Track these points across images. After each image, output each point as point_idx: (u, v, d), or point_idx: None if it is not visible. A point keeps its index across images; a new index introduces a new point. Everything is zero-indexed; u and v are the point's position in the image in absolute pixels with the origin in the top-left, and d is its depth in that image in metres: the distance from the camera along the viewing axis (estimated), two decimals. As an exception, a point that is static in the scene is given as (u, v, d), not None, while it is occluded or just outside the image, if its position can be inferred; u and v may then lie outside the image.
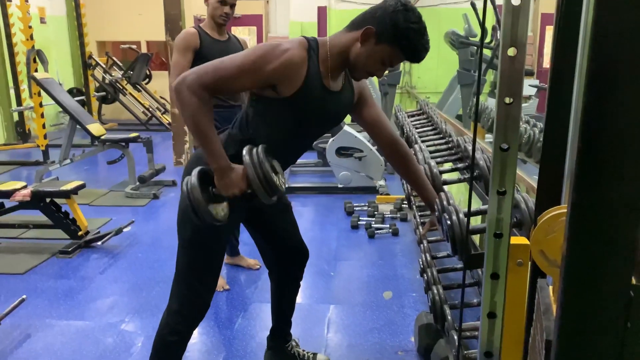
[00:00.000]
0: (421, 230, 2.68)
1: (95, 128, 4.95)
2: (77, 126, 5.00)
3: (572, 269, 0.60)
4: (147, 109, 8.71)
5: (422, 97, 5.38)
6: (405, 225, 3.98)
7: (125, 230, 3.68)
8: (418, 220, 2.88)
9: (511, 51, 0.73)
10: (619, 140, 0.56)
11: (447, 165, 2.24)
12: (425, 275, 2.25)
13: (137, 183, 4.86)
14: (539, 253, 0.92)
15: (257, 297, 2.89)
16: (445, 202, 1.51)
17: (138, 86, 8.70)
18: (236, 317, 2.70)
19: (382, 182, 4.82)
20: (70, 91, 7.47)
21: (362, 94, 1.77)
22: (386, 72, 1.64)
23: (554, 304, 0.92)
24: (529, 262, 0.98)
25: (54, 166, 4.89)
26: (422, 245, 2.56)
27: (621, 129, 0.56)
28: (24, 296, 2.67)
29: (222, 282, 2.96)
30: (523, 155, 2.50)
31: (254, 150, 1.52)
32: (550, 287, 0.99)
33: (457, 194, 3.89)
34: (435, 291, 2.03)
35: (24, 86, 7.15)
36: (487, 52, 4.48)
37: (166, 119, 8.41)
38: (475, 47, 4.66)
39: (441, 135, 2.74)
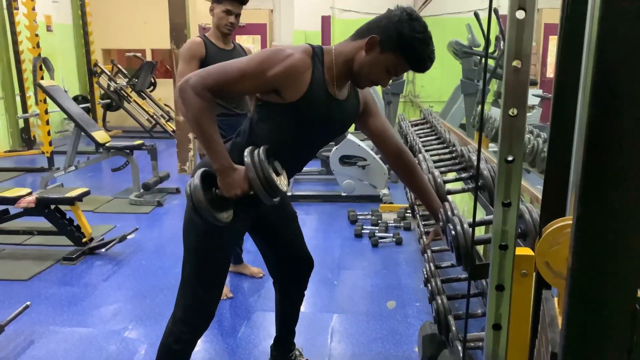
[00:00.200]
0: (425, 239, 2.68)
1: (100, 135, 4.98)
2: (82, 133, 5.03)
3: (578, 282, 0.61)
4: (152, 117, 8.76)
5: (425, 106, 5.39)
6: (408, 235, 3.97)
7: (129, 237, 3.69)
8: (422, 229, 2.88)
9: (516, 63, 0.74)
10: (624, 153, 0.56)
11: (451, 175, 2.24)
12: (429, 285, 2.25)
13: (141, 190, 4.87)
14: (544, 264, 0.92)
15: (260, 306, 2.89)
16: (449, 212, 1.51)
17: (143, 94, 8.75)
18: (239, 325, 2.69)
19: (385, 191, 4.82)
20: (75, 98, 7.52)
21: (367, 103, 1.77)
22: (390, 81, 1.65)
23: (559, 316, 0.91)
24: (534, 273, 0.98)
25: (59, 173, 4.92)
26: (426, 255, 2.56)
27: (626, 142, 0.56)
28: (28, 302, 2.68)
29: (225, 290, 2.96)
30: (527, 165, 2.50)
31: (255, 151, 1.53)
32: (556, 299, 0.99)
33: (461, 203, 3.88)
34: (440, 301, 2.03)
35: (29, 93, 7.20)
36: (490, 62, 4.49)
37: (170, 126, 8.44)
38: (479, 57, 4.67)
39: (445, 145, 2.74)
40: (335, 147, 4.76)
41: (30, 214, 3.46)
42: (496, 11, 4.14)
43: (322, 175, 5.59)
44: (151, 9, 9.21)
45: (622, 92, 0.55)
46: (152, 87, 8.97)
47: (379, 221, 4.14)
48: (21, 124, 7.39)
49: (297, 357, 2.24)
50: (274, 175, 1.51)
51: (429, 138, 3.08)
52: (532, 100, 5.04)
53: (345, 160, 4.81)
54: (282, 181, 1.56)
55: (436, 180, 1.92)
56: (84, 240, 3.54)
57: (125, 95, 8.71)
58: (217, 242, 1.71)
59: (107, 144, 4.95)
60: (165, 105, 8.98)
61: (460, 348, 1.86)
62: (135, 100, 8.80)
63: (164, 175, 5.13)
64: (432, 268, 2.38)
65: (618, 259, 0.59)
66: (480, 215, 1.87)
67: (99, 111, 8.62)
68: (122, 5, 9.84)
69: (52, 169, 5.62)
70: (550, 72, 7.42)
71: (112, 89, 8.62)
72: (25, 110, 7.22)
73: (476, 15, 4.63)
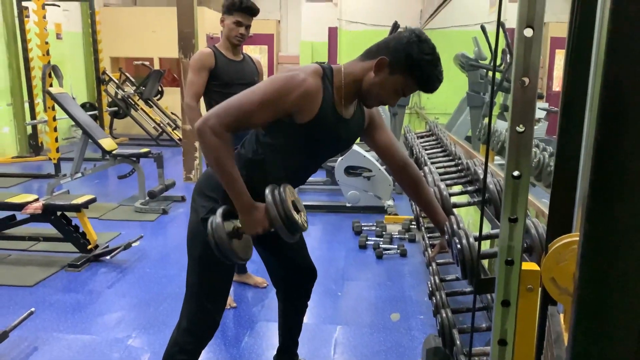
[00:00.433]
0: (430, 252, 2.67)
1: (107, 143, 5.01)
2: (89, 140, 5.06)
3: (584, 298, 0.61)
4: (158, 125, 8.80)
5: (431, 118, 5.40)
6: (413, 246, 3.96)
7: (134, 245, 3.70)
8: (427, 241, 2.87)
9: (523, 80, 0.74)
10: (632, 170, 0.56)
11: (457, 188, 2.24)
12: (434, 298, 2.24)
13: (147, 198, 4.89)
14: (550, 280, 0.92)
15: (264, 316, 2.88)
16: (455, 226, 1.51)
17: (150, 102, 8.81)
18: (243, 335, 2.69)
19: (390, 202, 4.81)
20: (83, 105, 7.57)
21: (373, 118, 1.79)
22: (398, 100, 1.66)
23: (565, 332, 0.91)
24: (540, 289, 0.98)
25: (66, 179, 4.94)
26: (430, 268, 2.55)
27: (634, 158, 0.56)
28: (33, 309, 2.68)
29: (229, 300, 2.96)
30: (532, 179, 2.50)
31: (276, 190, 1.54)
32: (561, 315, 0.99)
33: (466, 216, 3.87)
34: (444, 314, 2.02)
35: (38, 100, 7.27)
36: (496, 75, 4.50)
37: (177, 134, 8.49)
38: (485, 70, 4.68)
39: (450, 157, 2.74)
40: (340, 158, 4.77)
41: (36, 220, 3.47)
42: (503, 25, 4.15)
43: (327, 186, 5.60)
44: (160, 19, 9.29)
45: (630, 109, 0.55)
46: (159, 96, 9.03)
47: (384, 232, 4.14)
48: (29, 130, 7.44)
49: (300, 368, 2.24)
50: (295, 213, 1.52)
51: (434, 150, 3.08)
52: (539, 113, 5.03)
53: (351, 170, 4.81)
54: (302, 218, 1.57)
55: (442, 193, 1.92)
56: (89, 247, 3.55)
57: (133, 103, 8.77)
58: None
59: (114, 152, 4.98)
60: (172, 113, 9.03)
61: (464, 362, 1.85)
62: (142, 108, 8.86)
63: (170, 183, 5.15)
64: (437, 281, 2.37)
65: (625, 276, 0.59)
66: (486, 228, 1.87)
67: (106, 118, 8.68)
68: (131, 14, 9.95)
69: (59, 175, 5.64)
70: (557, 86, 7.42)
71: (119, 96, 8.68)
72: (33, 116, 7.28)
73: (483, 28, 4.65)
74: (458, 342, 1.93)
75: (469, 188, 2.12)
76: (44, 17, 5.95)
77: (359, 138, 1.84)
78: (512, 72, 0.75)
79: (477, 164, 2.15)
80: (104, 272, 3.44)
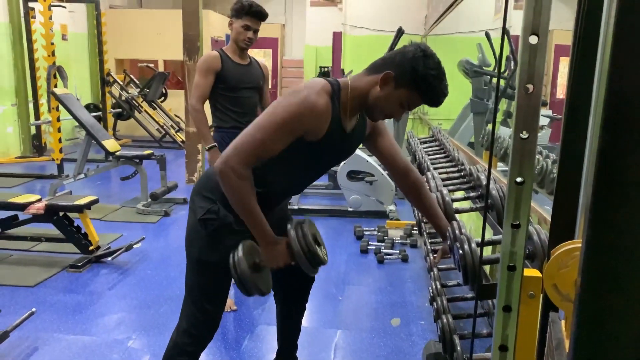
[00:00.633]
0: (432, 257, 2.67)
1: (111, 144, 5.03)
2: (93, 141, 5.07)
3: (586, 305, 0.61)
4: (162, 127, 8.82)
5: (434, 124, 5.40)
6: (415, 252, 3.96)
7: (135, 246, 3.70)
8: (428, 247, 2.87)
9: (528, 87, 0.75)
10: (635, 178, 0.57)
11: (459, 194, 2.24)
12: (435, 303, 2.24)
13: (149, 200, 4.90)
14: (552, 287, 0.92)
15: (264, 319, 2.88)
16: (457, 231, 1.51)
17: (153, 104, 8.83)
18: (243, 338, 2.69)
19: (392, 207, 4.81)
20: (87, 107, 7.59)
21: (375, 125, 1.79)
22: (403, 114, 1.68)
23: (566, 339, 0.91)
24: (541, 295, 0.98)
25: (68, 180, 4.95)
26: (432, 273, 2.55)
27: (637, 167, 0.56)
28: (34, 309, 2.69)
29: (229, 303, 2.96)
30: (535, 185, 2.50)
31: (299, 226, 1.58)
32: (563, 322, 0.99)
33: (468, 221, 3.87)
34: (445, 320, 2.01)
35: (42, 100, 7.29)
36: (500, 82, 4.51)
37: (180, 137, 8.50)
38: (489, 76, 4.69)
39: (453, 163, 2.74)
40: (343, 163, 4.77)
41: (38, 221, 3.48)
42: (507, 32, 4.16)
43: (329, 190, 5.60)
44: (165, 21, 9.33)
45: (634, 117, 0.55)
46: (163, 98, 9.05)
47: (385, 237, 4.13)
48: (33, 130, 7.47)
49: (300, 372, 2.23)
50: (317, 248, 1.56)
51: (437, 156, 3.08)
52: (542, 120, 5.03)
53: (353, 175, 4.82)
54: (323, 251, 1.61)
55: (444, 199, 1.93)
56: (91, 248, 3.56)
57: (137, 105, 8.80)
58: (220, 253, 1.72)
59: (117, 153, 4.99)
60: (176, 115, 9.05)
61: (464, 368, 1.84)
62: (146, 110, 8.88)
63: (172, 186, 5.16)
64: (439, 286, 2.37)
65: (627, 283, 0.59)
66: (488, 234, 1.87)
67: (110, 120, 8.70)
68: (137, 16, 9.99)
69: (62, 176, 5.66)
70: (560, 93, 7.41)
71: (123, 98, 8.71)
72: (37, 117, 7.31)
73: (487, 35, 4.65)
74: (459, 348, 1.93)
75: (472, 194, 2.12)
76: (50, 18, 5.98)
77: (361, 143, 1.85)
78: (517, 79, 0.76)
79: (479, 170, 2.15)
80: (105, 273, 3.44)
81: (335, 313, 2.98)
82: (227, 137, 2.92)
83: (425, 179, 2.30)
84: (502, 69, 4.54)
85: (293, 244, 1.54)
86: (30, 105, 7.49)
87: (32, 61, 7.24)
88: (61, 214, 3.52)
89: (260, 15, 2.83)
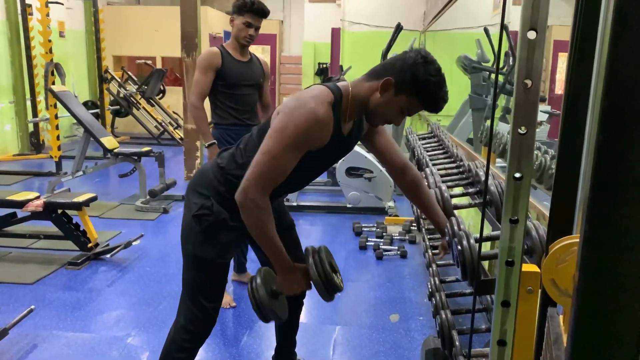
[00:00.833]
0: (430, 253, 2.68)
1: (109, 141, 5.02)
2: (91, 139, 5.06)
3: (584, 300, 0.61)
4: (160, 124, 8.81)
5: (433, 120, 5.40)
6: (413, 248, 3.96)
7: (134, 243, 3.70)
8: (427, 243, 2.87)
9: (526, 83, 0.75)
10: (633, 173, 0.57)
11: (458, 190, 2.24)
12: (433, 299, 2.24)
13: (148, 197, 4.89)
14: (550, 282, 0.92)
15: (263, 315, 2.88)
16: (456, 227, 1.51)
17: (152, 101, 8.81)
18: (242, 334, 2.69)
19: (391, 204, 4.82)
20: (85, 104, 7.58)
21: None
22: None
23: (564, 334, 0.91)
24: (540, 290, 0.98)
25: (67, 177, 4.95)
26: (431, 269, 2.55)
27: (635, 161, 0.56)
28: (33, 306, 2.69)
29: (228, 299, 2.97)
30: (534, 181, 2.50)
31: (317, 253, 1.60)
32: (561, 317, 0.99)
33: (467, 217, 3.87)
34: (444, 316, 2.02)
35: (40, 98, 7.27)
36: (499, 78, 4.51)
37: (178, 134, 8.49)
38: (487, 72, 4.69)
39: (452, 159, 2.74)
40: (341, 159, 4.77)
41: (37, 218, 3.48)
42: (506, 27, 4.16)
43: (327, 186, 5.60)
44: (163, 18, 9.30)
45: (632, 112, 0.56)
46: (161, 95, 9.03)
47: (384, 234, 4.14)
48: (31, 127, 7.45)
49: (299, 368, 2.24)
50: (334, 275, 1.58)
51: (436, 152, 3.08)
52: (540, 116, 5.04)
53: (352, 171, 4.82)
54: (339, 278, 1.63)
55: (443, 195, 1.93)
56: (90, 245, 3.56)
57: (135, 102, 8.78)
58: (215, 249, 1.73)
59: (115, 150, 4.98)
60: (174, 112, 9.04)
61: (463, 364, 1.85)
62: (144, 107, 8.86)
63: (171, 183, 5.15)
64: (437, 282, 2.38)
65: (625, 278, 0.59)
66: (486, 230, 1.87)
67: (108, 117, 8.68)
68: (134, 13, 9.96)
69: (60, 173, 5.66)
70: (559, 89, 7.42)
71: (121, 95, 8.69)
72: (35, 114, 7.29)
73: (486, 31, 4.65)
74: (457, 343, 1.93)
75: (470, 190, 2.12)
76: (47, 15, 5.97)
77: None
78: (515, 75, 0.76)
79: (478, 166, 2.16)
80: (104, 270, 3.44)
81: (334, 309, 2.99)
82: (226, 134, 2.92)
83: (424, 175, 2.30)
84: (501, 65, 4.54)
85: (311, 272, 1.57)
86: (28, 103, 7.47)
87: (29, 58, 7.21)
88: (60, 211, 3.51)
89: (262, 12, 2.83)
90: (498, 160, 3.58)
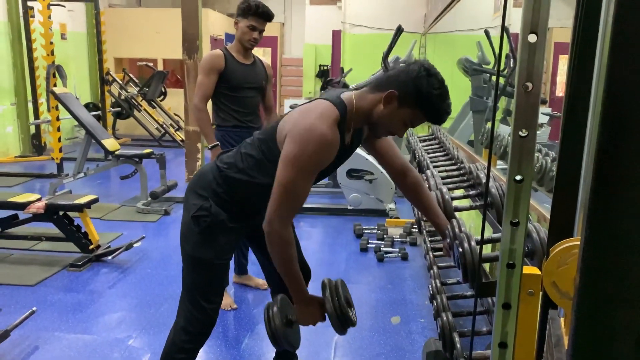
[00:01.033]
0: (431, 255, 2.67)
1: (110, 143, 5.03)
2: (92, 141, 5.07)
3: (585, 302, 0.61)
4: (161, 126, 8.82)
5: (434, 122, 5.40)
6: (414, 250, 3.96)
7: (135, 245, 3.71)
8: (428, 245, 2.87)
9: (527, 86, 0.75)
10: (633, 177, 0.57)
11: (459, 192, 2.24)
12: (434, 301, 2.24)
13: (149, 199, 4.90)
14: (551, 284, 0.92)
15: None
16: (457, 229, 1.51)
17: (153, 103, 8.83)
18: (243, 337, 2.69)
19: (392, 205, 4.82)
20: (86, 106, 7.59)
21: None
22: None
23: (565, 336, 0.91)
24: (540, 293, 0.98)
25: (68, 179, 4.96)
26: (432, 271, 2.55)
27: (636, 164, 0.57)
28: (34, 308, 2.69)
29: (230, 301, 2.97)
30: (534, 183, 2.50)
31: (334, 288, 1.62)
32: (562, 319, 0.99)
33: (467, 219, 3.87)
34: (445, 318, 2.02)
35: (42, 100, 7.29)
36: (500, 80, 4.50)
37: (179, 135, 8.50)
38: (488, 75, 4.69)
39: (453, 162, 2.74)
40: (342, 161, 4.77)
41: (39, 220, 3.49)
42: (506, 29, 4.16)
43: (328, 188, 5.60)
44: (164, 20, 9.33)
45: (633, 114, 0.56)
46: (162, 97, 9.05)
47: (385, 236, 4.14)
48: (32, 130, 7.46)
49: (300, 370, 2.24)
50: (349, 310, 1.61)
51: (437, 154, 3.08)
52: (541, 118, 5.03)
53: (353, 173, 4.82)
54: (353, 313, 1.66)
55: (444, 197, 1.93)
56: (91, 247, 3.56)
57: (136, 103, 8.79)
58: (214, 250, 1.74)
59: (117, 152, 4.99)
60: (175, 114, 9.05)
61: (464, 366, 1.85)
62: (145, 109, 8.88)
63: (172, 184, 5.16)
64: (438, 284, 2.37)
65: (626, 281, 0.59)
66: (487, 232, 1.87)
67: (109, 119, 8.70)
68: (136, 15, 9.98)
69: (62, 175, 5.66)
70: (560, 91, 7.41)
71: (123, 97, 8.70)
72: (37, 116, 7.30)
73: (487, 33, 4.65)
74: (458, 346, 1.93)
75: (471, 192, 2.12)
76: (49, 17, 5.98)
77: None
78: (516, 77, 0.76)
79: (479, 168, 2.16)
80: (106, 272, 3.45)
81: (335, 311, 2.98)
82: (228, 136, 2.93)
83: (425, 178, 2.30)
84: (502, 67, 4.54)
85: (327, 306, 1.59)
86: (30, 105, 7.49)
87: (31, 60, 7.23)
88: (61, 213, 3.52)
89: (266, 16, 2.84)
90: (499, 162, 3.58)
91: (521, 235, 0.79)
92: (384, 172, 4.72)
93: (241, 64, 2.89)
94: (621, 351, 0.60)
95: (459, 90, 5.08)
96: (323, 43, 9.75)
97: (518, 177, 0.77)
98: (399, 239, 4.15)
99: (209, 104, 2.92)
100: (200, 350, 1.88)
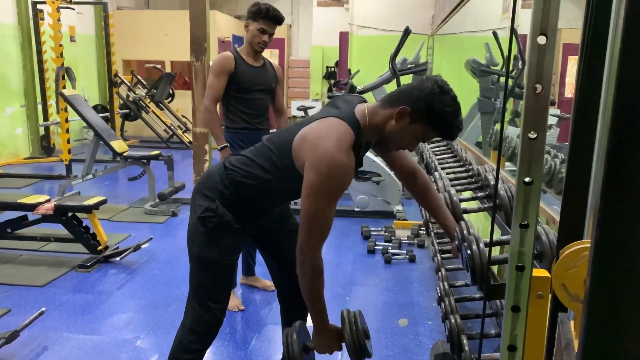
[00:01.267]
0: (439, 257, 2.67)
1: (118, 145, 5.05)
2: (101, 142, 5.10)
3: (595, 305, 0.61)
4: (169, 127, 8.86)
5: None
6: (422, 252, 3.95)
7: (143, 246, 3.72)
8: (436, 247, 2.86)
9: (536, 87, 0.75)
10: (643, 179, 0.56)
11: (467, 194, 2.23)
12: (442, 303, 2.23)
13: (157, 200, 4.92)
14: (561, 287, 0.92)
15: (272, 319, 2.88)
16: (465, 231, 1.50)
17: (161, 104, 8.86)
18: (251, 338, 2.69)
19: (399, 207, 4.81)
20: (95, 107, 7.64)
21: None
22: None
23: (575, 340, 0.91)
24: (550, 295, 0.98)
25: (77, 181, 4.99)
26: (439, 273, 2.54)
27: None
28: (43, 309, 2.70)
29: (237, 302, 2.97)
30: (543, 185, 2.49)
31: (354, 319, 1.63)
32: (572, 322, 0.98)
33: (476, 221, 3.85)
34: (453, 320, 2.01)
35: (51, 102, 7.34)
36: (508, 81, 4.48)
37: (187, 137, 8.53)
38: (496, 76, 4.67)
39: (461, 163, 2.74)
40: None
41: (47, 221, 3.51)
42: (515, 31, 4.14)
43: (336, 190, 5.59)
44: (172, 22, 9.37)
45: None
46: (170, 98, 9.09)
47: (392, 238, 4.13)
48: (41, 131, 7.52)
49: (307, 372, 2.24)
50: (366, 341, 1.62)
51: (445, 156, 3.07)
52: (550, 120, 5.01)
53: (360, 175, 4.81)
54: (369, 344, 1.66)
55: (452, 199, 1.92)
56: (99, 248, 3.58)
57: (144, 105, 8.84)
58: (221, 251, 1.74)
59: (125, 154, 5.02)
60: (183, 116, 9.08)
61: (472, 369, 1.84)
62: (153, 111, 8.92)
63: (180, 186, 5.18)
64: (446, 287, 2.36)
65: (637, 283, 0.59)
66: (496, 234, 1.87)
67: (118, 121, 8.75)
68: (144, 17, 10.03)
69: (70, 176, 5.70)
70: (569, 92, 7.36)
71: (131, 99, 8.75)
72: (46, 118, 7.36)
73: (495, 34, 4.63)
74: (467, 348, 1.92)
75: (480, 194, 2.12)
76: (59, 19, 6.02)
77: None
78: (525, 79, 0.76)
79: (487, 170, 2.15)
80: (114, 273, 3.46)
81: (342, 313, 2.98)
82: (237, 138, 2.94)
83: (433, 179, 2.29)
84: (510, 68, 4.52)
85: (346, 336, 1.61)
86: (39, 107, 7.55)
87: (40, 63, 7.29)
88: (70, 214, 3.54)
89: (276, 19, 2.85)
90: (507, 164, 3.56)
91: (530, 237, 0.79)
92: (392, 174, 4.72)
93: (251, 66, 2.90)
94: (632, 354, 0.60)
95: (467, 92, 5.06)
96: (330, 45, 9.75)
97: (527, 179, 0.77)
98: (407, 241, 4.14)
99: (219, 106, 2.93)
100: (208, 351, 1.89)
